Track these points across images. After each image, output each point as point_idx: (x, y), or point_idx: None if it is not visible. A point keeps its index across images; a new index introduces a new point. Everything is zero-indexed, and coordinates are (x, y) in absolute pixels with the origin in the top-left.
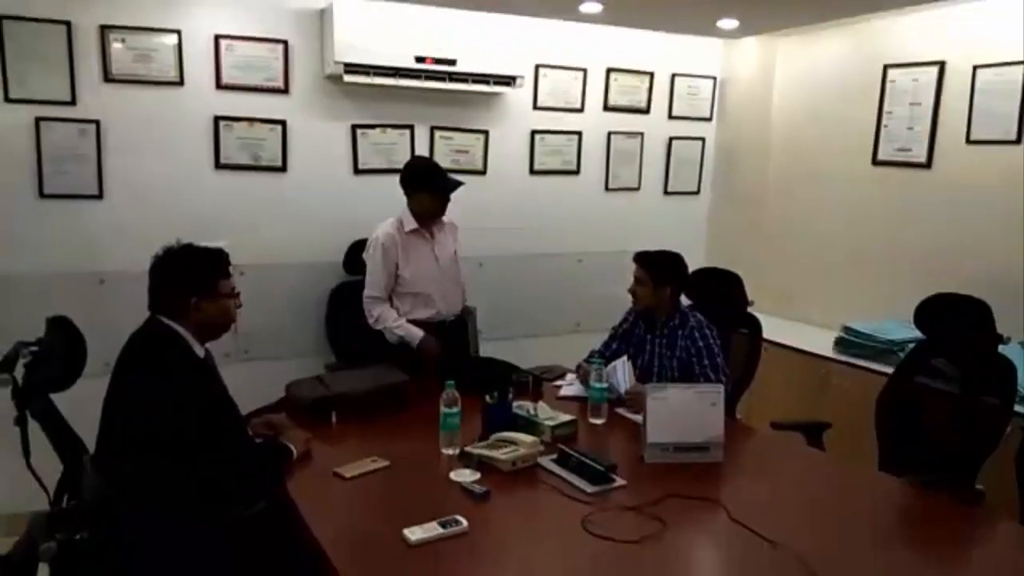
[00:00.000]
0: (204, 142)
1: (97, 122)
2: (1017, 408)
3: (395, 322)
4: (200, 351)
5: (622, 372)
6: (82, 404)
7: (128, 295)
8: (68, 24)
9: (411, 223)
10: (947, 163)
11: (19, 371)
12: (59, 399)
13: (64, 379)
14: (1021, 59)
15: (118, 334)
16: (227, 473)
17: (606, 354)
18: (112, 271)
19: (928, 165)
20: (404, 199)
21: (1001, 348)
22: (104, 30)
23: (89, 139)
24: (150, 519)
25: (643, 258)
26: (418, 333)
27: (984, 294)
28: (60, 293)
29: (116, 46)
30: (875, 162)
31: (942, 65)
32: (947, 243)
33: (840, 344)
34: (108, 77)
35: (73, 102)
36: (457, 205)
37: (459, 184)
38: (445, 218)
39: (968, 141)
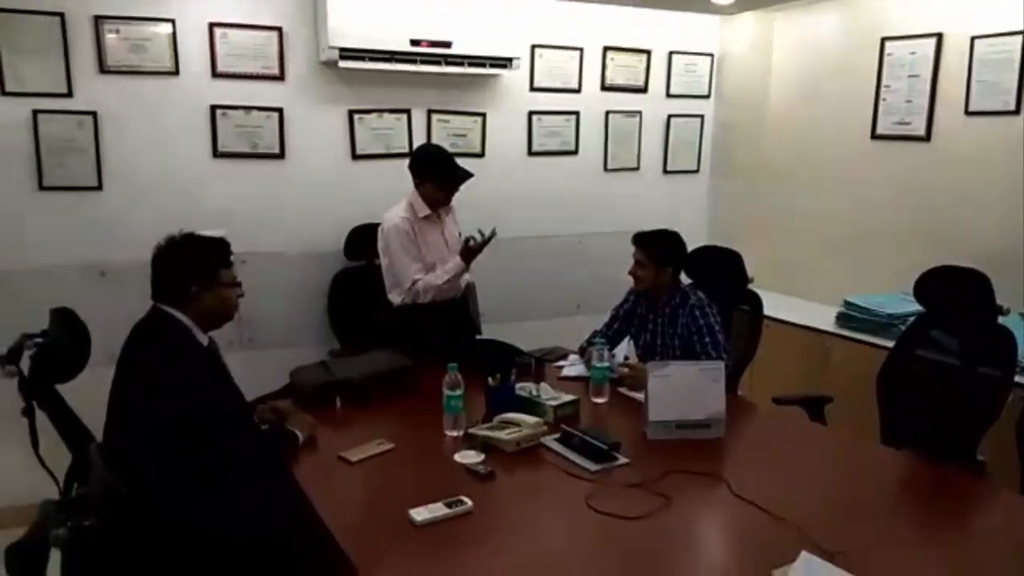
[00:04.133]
0: (202, 131)
1: (94, 113)
2: (1017, 379)
3: (438, 277)
4: (203, 339)
5: (622, 351)
6: (88, 394)
7: (130, 286)
8: (62, 16)
9: (424, 209)
10: (946, 136)
11: (25, 363)
12: (65, 390)
13: (69, 370)
14: (1019, 29)
15: (121, 325)
16: (232, 460)
17: (608, 334)
18: (113, 262)
19: (927, 138)
20: (403, 183)
21: (1001, 319)
22: (98, 21)
23: (87, 131)
24: (157, 504)
25: (642, 239)
26: (457, 261)
27: (983, 266)
28: (62, 286)
29: (110, 37)
30: (874, 136)
31: (939, 37)
32: (946, 216)
33: (841, 319)
34: (103, 68)
35: (70, 94)
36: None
37: (469, 175)
38: None
39: (967, 113)
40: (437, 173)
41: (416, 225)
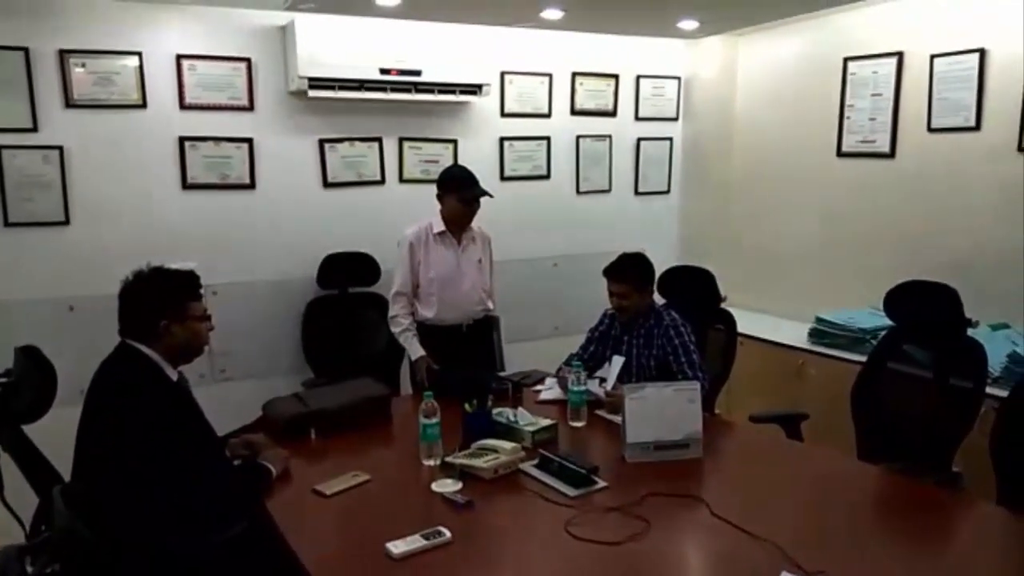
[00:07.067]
0: (170, 163)
1: (60, 148)
2: (989, 390)
3: (401, 333)
4: (173, 375)
5: (614, 368)
6: (55, 434)
7: (98, 321)
8: (26, 50)
9: (439, 226)
10: (910, 152)
11: None
12: (31, 430)
13: (35, 409)
14: (976, 47)
15: (89, 361)
16: (204, 497)
17: (584, 357)
18: (81, 297)
19: (892, 155)
20: (375, 211)
21: (970, 331)
22: (63, 55)
23: (53, 165)
24: (125, 548)
25: (619, 272)
26: (416, 351)
27: (950, 279)
28: (29, 322)
29: (77, 71)
30: (840, 154)
31: (900, 56)
32: (913, 230)
33: (814, 335)
34: (70, 102)
35: (35, 128)
36: (432, 215)
37: (485, 193)
38: (478, 228)
39: (929, 129)
40: (458, 187)
41: (425, 240)
